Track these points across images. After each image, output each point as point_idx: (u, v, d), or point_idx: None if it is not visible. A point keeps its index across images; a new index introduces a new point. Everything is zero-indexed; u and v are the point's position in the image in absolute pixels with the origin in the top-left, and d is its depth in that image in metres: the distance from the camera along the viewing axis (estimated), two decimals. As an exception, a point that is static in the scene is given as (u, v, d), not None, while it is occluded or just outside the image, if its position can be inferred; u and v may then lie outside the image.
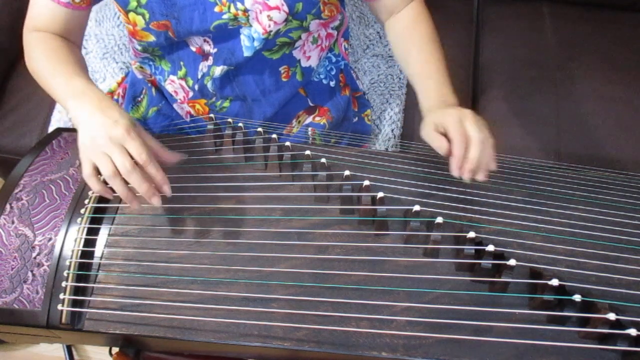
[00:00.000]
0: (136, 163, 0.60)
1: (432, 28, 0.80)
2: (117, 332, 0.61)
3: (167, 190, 0.63)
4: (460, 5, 1.32)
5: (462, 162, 0.62)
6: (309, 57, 0.86)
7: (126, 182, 0.61)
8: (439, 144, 0.63)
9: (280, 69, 0.84)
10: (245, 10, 0.73)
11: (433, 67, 0.76)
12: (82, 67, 0.73)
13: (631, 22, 1.28)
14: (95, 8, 1.21)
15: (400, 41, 0.82)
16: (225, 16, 0.73)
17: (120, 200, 0.69)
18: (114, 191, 0.62)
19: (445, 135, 0.64)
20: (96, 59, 1.15)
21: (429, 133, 0.66)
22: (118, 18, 1.20)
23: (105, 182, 0.62)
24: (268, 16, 0.73)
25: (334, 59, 0.94)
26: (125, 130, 0.60)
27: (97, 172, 0.62)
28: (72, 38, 0.76)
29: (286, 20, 0.74)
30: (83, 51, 1.16)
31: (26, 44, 0.75)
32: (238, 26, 0.76)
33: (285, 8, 0.72)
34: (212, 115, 0.82)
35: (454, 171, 0.62)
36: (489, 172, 0.63)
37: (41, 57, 0.71)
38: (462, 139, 0.61)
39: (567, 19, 1.28)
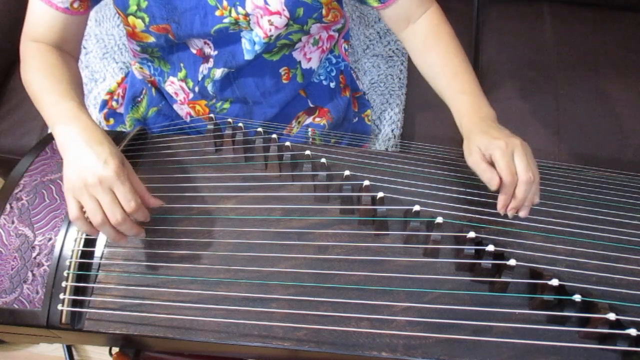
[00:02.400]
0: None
1: (454, 36, 0.76)
2: (117, 332, 0.61)
3: (142, 235, 0.62)
4: (460, 5, 1.32)
5: (509, 201, 0.60)
6: (309, 59, 0.86)
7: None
8: (489, 179, 0.61)
9: (280, 70, 0.84)
10: (246, 15, 0.72)
11: (464, 80, 0.72)
12: (76, 87, 0.68)
13: (631, 22, 1.28)
14: (95, 8, 1.21)
15: (422, 54, 0.77)
16: (226, 20, 0.73)
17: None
18: None
19: (491, 163, 0.61)
20: (96, 59, 1.15)
21: (477, 163, 0.62)
22: (118, 18, 1.20)
23: None
24: (269, 21, 0.72)
25: (334, 60, 0.94)
26: (115, 173, 0.57)
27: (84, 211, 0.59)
28: (69, 47, 0.74)
29: (287, 24, 0.74)
30: (83, 51, 1.16)
31: (22, 55, 0.72)
32: (239, 30, 0.75)
33: (286, 13, 0.72)
34: (212, 115, 0.82)
35: (500, 209, 0.61)
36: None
37: (36, 71, 0.68)
38: (512, 179, 0.59)
39: (567, 19, 1.28)
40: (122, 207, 0.57)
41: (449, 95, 0.72)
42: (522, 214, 0.61)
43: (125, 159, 0.60)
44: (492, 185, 0.60)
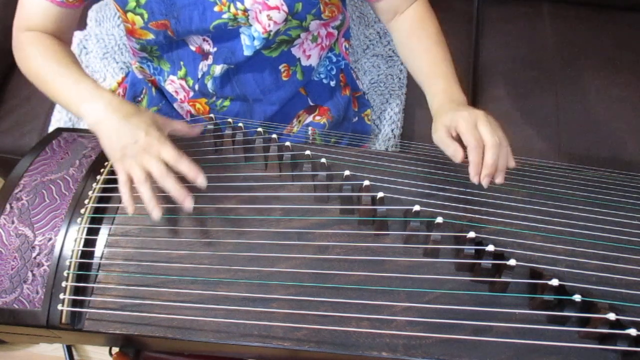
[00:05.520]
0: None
1: (438, 28, 0.79)
2: (117, 332, 0.61)
3: (202, 180, 0.61)
4: (460, 5, 1.32)
5: (480, 167, 0.60)
6: (309, 56, 0.86)
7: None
8: (453, 152, 0.61)
9: (280, 67, 0.84)
10: (245, 10, 0.72)
11: (442, 67, 0.74)
12: (81, 68, 0.72)
13: (631, 22, 1.28)
14: (95, 8, 1.22)
15: (405, 42, 0.80)
16: (225, 16, 0.73)
17: (120, 200, 0.69)
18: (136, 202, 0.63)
19: (458, 139, 0.61)
20: (96, 59, 1.15)
21: (442, 138, 0.63)
22: (118, 18, 1.20)
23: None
24: (268, 16, 0.73)
25: (334, 59, 0.94)
26: (157, 139, 0.61)
27: (131, 180, 0.62)
28: (63, 37, 0.77)
29: (286, 20, 0.74)
30: (83, 51, 1.17)
31: (18, 44, 0.74)
32: (238, 26, 0.76)
33: (285, 8, 0.72)
34: (212, 115, 0.82)
35: (473, 178, 0.60)
36: (507, 171, 0.61)
37: (38, 57, 0.71)
38: (478, 144, 0.59)
39: (567, 19, 1.28)
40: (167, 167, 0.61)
41: (425, 78, 0.75)
42: (498, 180, 0.61)
43: (160, 119, 0.65)
44: (457, 157, 0.61)
